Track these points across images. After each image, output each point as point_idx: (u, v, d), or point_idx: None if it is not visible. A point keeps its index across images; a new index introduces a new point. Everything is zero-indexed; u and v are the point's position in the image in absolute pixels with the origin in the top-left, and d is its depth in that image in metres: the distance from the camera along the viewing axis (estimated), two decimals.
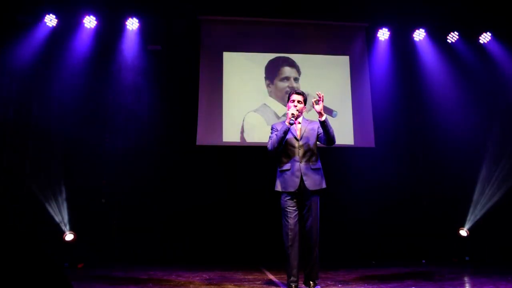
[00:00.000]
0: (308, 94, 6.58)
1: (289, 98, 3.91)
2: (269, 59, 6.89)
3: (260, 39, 6.93)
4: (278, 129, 3.79)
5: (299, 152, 3.76)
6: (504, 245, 6.25)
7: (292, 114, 3.71)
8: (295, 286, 3.68)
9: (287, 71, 6.87)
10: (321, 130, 3.80)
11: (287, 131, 3.72)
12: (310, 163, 3.75)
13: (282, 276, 4.71)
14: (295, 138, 3.80)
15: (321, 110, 3.69)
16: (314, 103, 3.74)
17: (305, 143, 3.78)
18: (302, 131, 3.83)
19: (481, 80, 6.92)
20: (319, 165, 3.81)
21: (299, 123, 3.87)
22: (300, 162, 3.73)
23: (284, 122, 3.77)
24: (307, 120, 3.95)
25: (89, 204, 6.22)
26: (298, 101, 3.84)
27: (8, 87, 6.26)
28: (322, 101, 3.68)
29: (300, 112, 3.85)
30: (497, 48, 6.90)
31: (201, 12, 6.81)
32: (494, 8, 6.53)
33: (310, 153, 3.77)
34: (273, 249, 6.07)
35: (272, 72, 6.85)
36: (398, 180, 6.81)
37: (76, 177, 6.21)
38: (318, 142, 3.88)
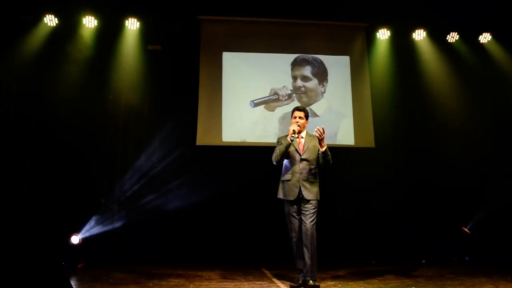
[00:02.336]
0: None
1: (292, 115, 4.23)
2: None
3: (260, 39, 6.93)
4: (282, 142, 4.11)
5: (300, 165, 4.08)
6: (504, 245, 6.25)
7: (294, 130, 4.04)
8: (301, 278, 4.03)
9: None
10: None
11: (288, 146, 4.08)
12: (309, 176, 4.09)
13: (282, 275, 4.72)
14: (298, 152, 4.11)
15: (322, 141, 4.00)
16: (317, 135, 3.99)
17: (306, 157, 4.11)
18: (305, 146, 4.14)
19: (481, 80, 6.91)
20: (317, 178, 4.14)
21: (302, 137, 4.18)
22: (300, 174, 4.06)
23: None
24: (311, 136, 4.22)
25: (89, 204, 6.22)
26: (300, 117, 4.17)
27: (8, 87, 6.26)
28: (323, 134, 3.99)
29: (302, 127, 4.17)
30: (497, 48, 6.89)
31: (201, 12, 6.80)
32: (494, 9, 6.53)
33: (310, 167, 4.10)
34: (273, 249, 6.09)
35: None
36: (398, 180, 6.80)
37: (76, 177, 6.21)
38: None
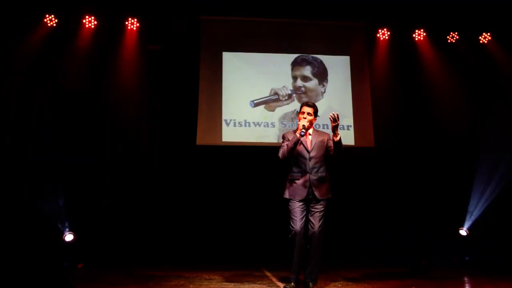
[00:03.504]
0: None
1: (300, 110, 4.09)
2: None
3: (260, 39, 6.92)
4: (289, 138, 3.98)
5: (309, 163, 3.96)
6: (504, 245, 6.25)
7: (303, 126, 3.90)
8: (293, 281, 3.90)
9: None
10: (330, 143, 4.03)
11: (297, 142, 3.93)
12: (319, 174, 3.96)
13: (282, 276, 4.71)
14: (306, 149, 3.99)
15: (337, 130, 3.88)
16: (331, 121, 3.86)
17: (315, 154, 3.99)
18: (313, 143, 4.02)
19: (481, 80, 6.91)
20: (327, 176, 4.02)
21: (310, 134, 4.04)
22: (310, 173, 3.95)
23: (295, 132, 3.97)
24: (317, 132, 4.14)
25: (89, 204, 6.22)
26: (308, 113, 4.02)
27: (8, 87, 6.25)
28: (338, 120, 3.86)
29: (311, 123, 4.04)
30: (497, 48, 6.89)
31: (201, 12, 6.80)
32: (494, 8, 6.53)
33: (319, 164, 3.99)
34: (273, 249, 6.08)
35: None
36: (398, 180, 6.81)
37: (76, 177, 6.20)
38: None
